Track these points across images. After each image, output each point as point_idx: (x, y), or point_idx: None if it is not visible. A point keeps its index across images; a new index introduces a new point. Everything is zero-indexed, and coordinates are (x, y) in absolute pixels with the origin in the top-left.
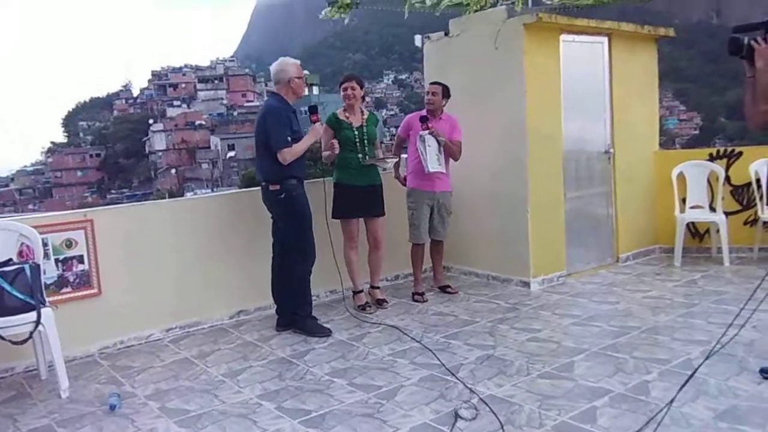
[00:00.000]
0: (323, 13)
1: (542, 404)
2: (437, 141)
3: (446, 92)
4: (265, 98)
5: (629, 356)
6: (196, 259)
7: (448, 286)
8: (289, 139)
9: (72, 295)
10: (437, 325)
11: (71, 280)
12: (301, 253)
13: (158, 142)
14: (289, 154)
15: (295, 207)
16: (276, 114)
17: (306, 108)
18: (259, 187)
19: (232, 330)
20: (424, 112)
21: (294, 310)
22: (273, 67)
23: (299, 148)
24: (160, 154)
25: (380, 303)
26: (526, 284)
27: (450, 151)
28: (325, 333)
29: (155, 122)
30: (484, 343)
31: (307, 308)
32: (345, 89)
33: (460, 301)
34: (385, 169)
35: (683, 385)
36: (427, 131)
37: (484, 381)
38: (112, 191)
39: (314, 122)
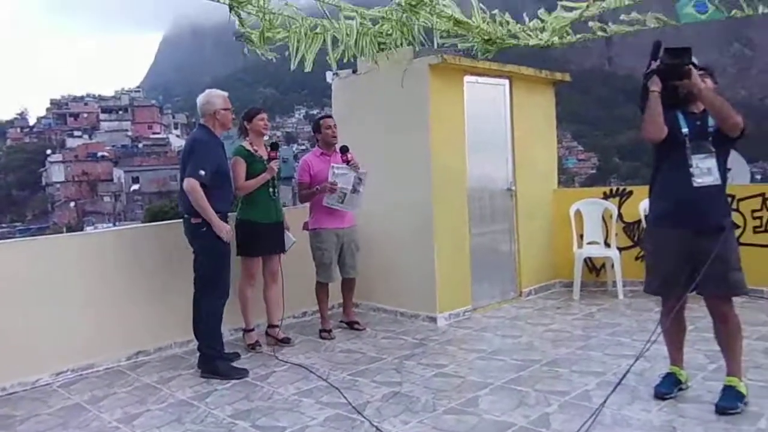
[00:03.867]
0: (247, 49)
1: None
2: (352, 174)
3: None
4: (194, 130)
5: (531, 389)
6: (91, 298)
7: (357, 322)
8: (202, 173)
9: None
10: (344, 362)
11: None
12: (215, 289)
13: (56, 173)
14: (192, 188)
15: (215, 242)
16: (200, 144)
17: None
18: (163, 222)
19: (129, 372)
20: (319, 151)
21: (204, 352)
22: (199, 99)
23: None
24: (59, 186)
25: (285, 341)
26: (433, 319)
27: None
28: (242, 375)
29: (53, 153)
30: (391, 380)
31: (219, 349)
32: (261, 119)
33: (368, 338)
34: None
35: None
36: (344, 164)
37: (390, 419)
38: (3, 225)
39: (272, 159)
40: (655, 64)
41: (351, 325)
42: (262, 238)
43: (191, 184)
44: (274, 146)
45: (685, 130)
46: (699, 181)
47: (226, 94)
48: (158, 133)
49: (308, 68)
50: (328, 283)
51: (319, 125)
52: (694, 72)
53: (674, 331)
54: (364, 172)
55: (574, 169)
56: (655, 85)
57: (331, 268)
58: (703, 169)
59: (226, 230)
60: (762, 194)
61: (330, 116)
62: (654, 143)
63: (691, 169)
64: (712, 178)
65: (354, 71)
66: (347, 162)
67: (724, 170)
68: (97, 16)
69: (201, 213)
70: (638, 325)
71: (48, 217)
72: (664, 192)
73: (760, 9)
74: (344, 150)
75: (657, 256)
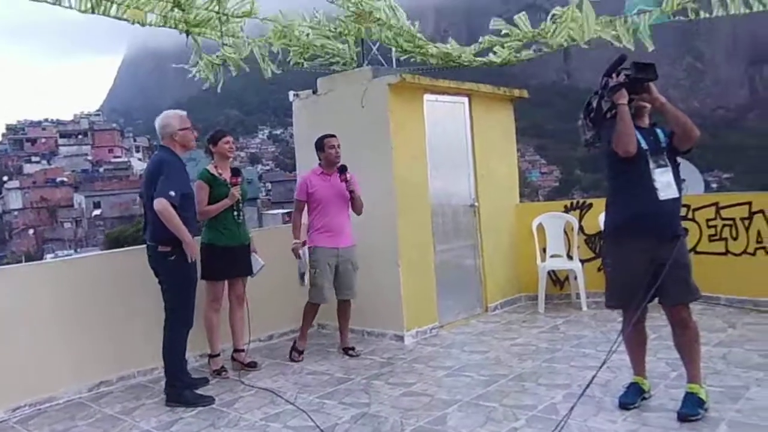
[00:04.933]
0: (194, 72)
1: None
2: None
3: None
4: (155, 152)
5: (499, 404)
6: (48, 329)
7: (352, 348)
8: (173, 193)
9: None
10: (312, 385)
11: None
12: (181, 318)
13: (13, 200)
14: (164, 207)
15: (183, 270)
16: (168, 166)
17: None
18: (123, 249)
19: (91, 404)
20: (319, 170)
21: (170, 381)
22: (157, 122)
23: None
24: (16, 213)
25: (251, 366)
26: (401, 338)
27: (358, 204)
28: (208, 402)
29: (10, 179)
30: (359, 400)
31: (184, 378)
32: (227, 142)
33: (335, 359)
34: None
35: None
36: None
37: None
38: None
39: (234, 185)
40: (617, 78)
41: (345, 351)
42: (227, 262)
43: (163, 204)
44: (236, 172)
45: (643, 144)
46: (663, 194)
47: (183, 113)
48: (119, 157)
49: (267, 75)
50: (318, 304)
51: (323, 144)
52: (653, 87)
53: (636, 342)
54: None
55: (538, 182)
56: (624, 98)
57: (324, 288)
58: (664, 183)
59: (195, 252)
60: (716, 203)
61: (333, 135)
62: (626, 156)
63: (654, 184)
64: (672, 191)
65: (314, 92)
66: (345, 181)
67: (679, 182)
68: (53, 40)
69: (176, 233)
70: (602, 335)
71: (6, 246)
72: (627, 205)
73: (702, 14)
74: (343, 170)
75: (618, 268)
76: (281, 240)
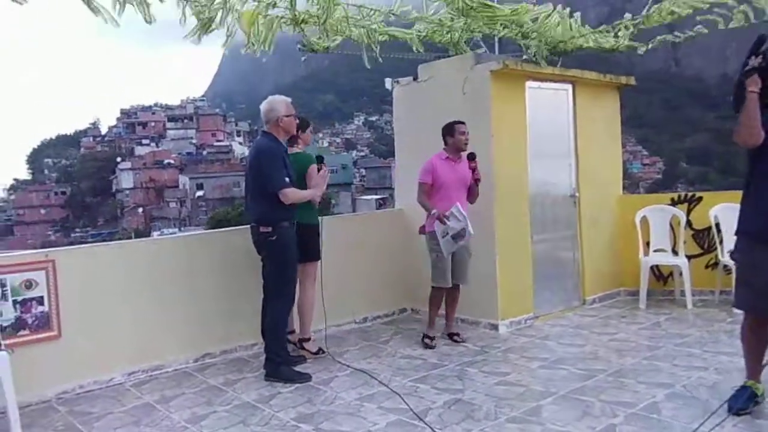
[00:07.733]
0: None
1: None
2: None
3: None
4: (257, 137)
5: (596, 399)
6: (160, 301)
7: (456, 334)
8: (287, 180)
9: (30, 337)
10: (405, 368)
11: (29, 322)
12: (281, 296)
13: (126, 180)
14: (291, 194)
15: (283, 250)
16: (269, 154)
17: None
18: (229, 228)
19: (196, 373)
20: (444, 155)
21: (270, 357)
22: (263, 107)
23: (305, 195)
24: (128, 192)
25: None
26: (495, 327)
27: (475, 193)
28: (305, 379)
29: (123, 160)
30: (452, 386)
31: (283, 354)
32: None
33: None
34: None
35: None
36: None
37: (452, 426)
38: (77, 230)
39: (320, 170)
40: (754, 61)
41: (450, 337)
42: (318, 241)
43: (287, 195)
44: (320, 159)
45: None
46: None
47: (289, 99)
48: (222, 141)
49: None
50: (442, 289)
51: (453, 129)
52: None
53: (755, 344)
54: (470, 233)
55: (639, 174)
56: (755, 85)
57: (447, 271)
58: None
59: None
60: None
61: (463, 122)
62: (748, 148)
63: None
64: None
65: (414, 78)
66: (473, 169)
67: None
68: (159, 31)
69: (307, 197)
70: (709, 335)
71: (117, 222)
72: (761, 204)
73: None
74: (472, 157)
75: (752, 272)
76: (374, 226)
